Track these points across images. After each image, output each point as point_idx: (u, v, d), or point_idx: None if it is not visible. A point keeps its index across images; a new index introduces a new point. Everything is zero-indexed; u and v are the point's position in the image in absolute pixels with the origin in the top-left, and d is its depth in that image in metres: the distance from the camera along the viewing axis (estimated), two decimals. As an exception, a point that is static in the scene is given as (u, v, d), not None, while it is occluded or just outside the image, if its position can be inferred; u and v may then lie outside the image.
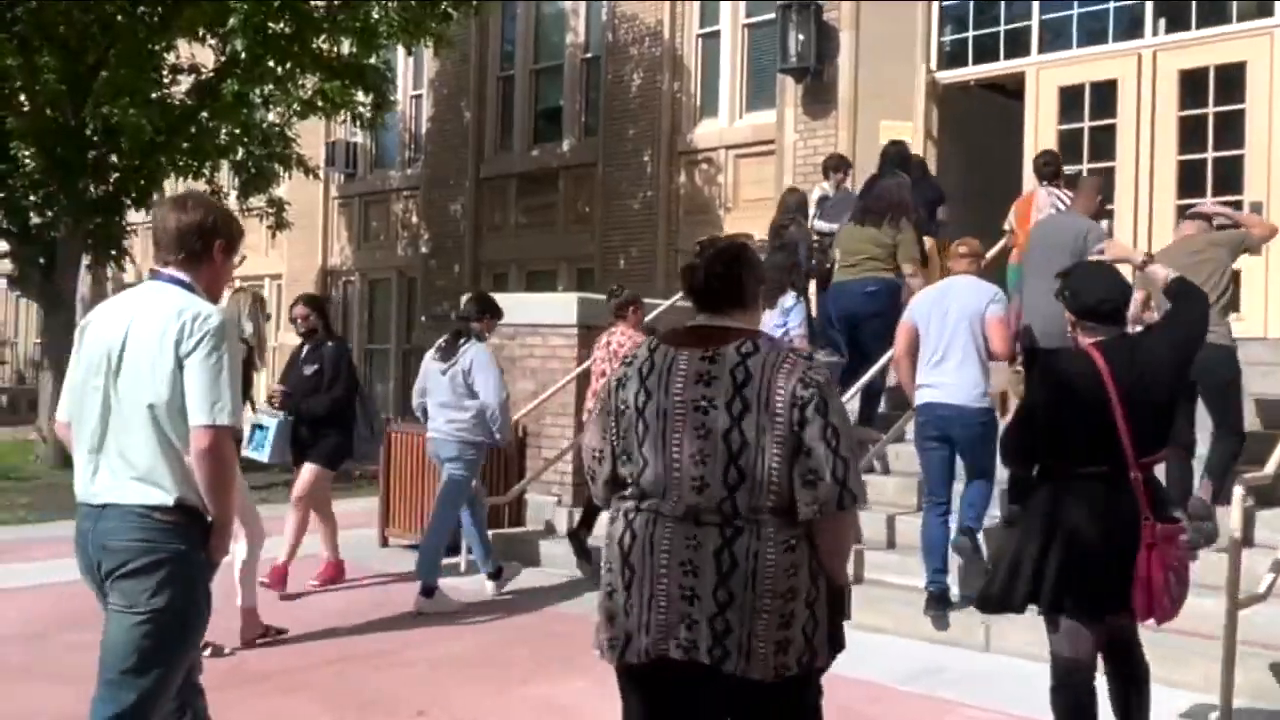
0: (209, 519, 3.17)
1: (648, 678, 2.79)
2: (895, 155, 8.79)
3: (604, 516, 3.04)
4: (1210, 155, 9.49)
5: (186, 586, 3.13)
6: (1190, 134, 9.63)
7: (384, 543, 8.90)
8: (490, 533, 7.63)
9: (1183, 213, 9.36)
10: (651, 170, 14.57)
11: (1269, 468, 5.35)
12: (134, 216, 16.28)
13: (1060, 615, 3.79)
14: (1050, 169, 8.36)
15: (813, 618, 2.72)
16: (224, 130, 14.58)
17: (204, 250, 3.30)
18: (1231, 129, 9.45)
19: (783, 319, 7.38)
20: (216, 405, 3.07)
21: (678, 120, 14.43)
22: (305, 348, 7.44)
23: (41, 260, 13.79)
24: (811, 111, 11.49)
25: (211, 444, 3.07)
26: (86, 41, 12.90)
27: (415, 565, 7.05)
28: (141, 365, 3.12)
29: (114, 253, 14.93)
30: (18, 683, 5.36)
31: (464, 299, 7.84)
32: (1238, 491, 4.96)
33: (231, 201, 16.21)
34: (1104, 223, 7.40)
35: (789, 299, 7.51)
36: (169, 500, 3.10)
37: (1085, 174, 9.24)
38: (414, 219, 18.25)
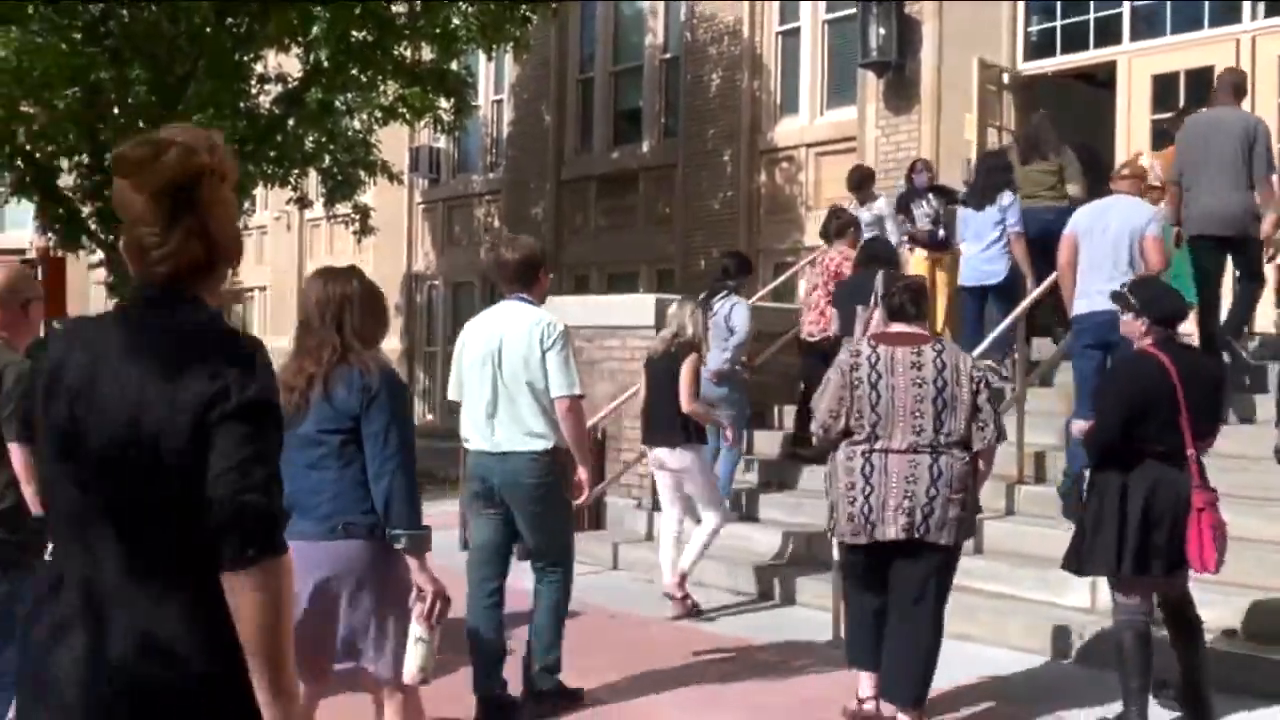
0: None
1: (873, 550, 4.63)
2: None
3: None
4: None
5: (560, 502, 4.87)
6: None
7: (464, 545, 8.89)
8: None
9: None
10: (732, 170, 14.43)
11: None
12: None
13: (1135, 575, 4.51)
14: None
15: (967, 509, 4.64)
16: (310, 138, 14.79)
17: (534, 276, 4.92)
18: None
19: (1000, 215, 8.10)
20: (570, 381, 4.71)
21: (757, 119, 14.28)
22: None
23: (135, 268, 14.11)
24: (894, 106, 11.27)
25: (570, 407, 4.72)
26: (175, 53, 13.18)
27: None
28: (518, 358, 4.72)
29: (205, 260, 15.23)
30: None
31: (723, 258, 8.70)
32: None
33: (318, 208, 16.49)
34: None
35: (1006, 197, 8.13)
36: (549, 446, 4.73)
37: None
38: (496, 223, 18.35)
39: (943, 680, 4.86)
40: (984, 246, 8.24)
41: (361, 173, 15.70)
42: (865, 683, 4.78)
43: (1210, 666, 4.77)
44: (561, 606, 4.96)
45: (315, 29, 12.69)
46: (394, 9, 13.52)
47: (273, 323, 23.38)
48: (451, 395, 5.01)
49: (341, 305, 3.43)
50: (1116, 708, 4.69)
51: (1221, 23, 9.82)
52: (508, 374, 4.72)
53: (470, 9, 13.68)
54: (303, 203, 16.25)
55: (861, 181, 9.47)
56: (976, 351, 6.69)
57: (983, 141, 10.20)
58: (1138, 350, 4.68)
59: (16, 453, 3.48)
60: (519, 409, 4.71)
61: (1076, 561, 4.72)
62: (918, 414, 4.52)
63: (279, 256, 23.16)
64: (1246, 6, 9.71)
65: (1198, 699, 4.70)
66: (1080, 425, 4.97)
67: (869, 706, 4.77)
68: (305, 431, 3.35)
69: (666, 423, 6.49)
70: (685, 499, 6.74)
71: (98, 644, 1.81)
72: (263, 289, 23.92)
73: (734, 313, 7.81)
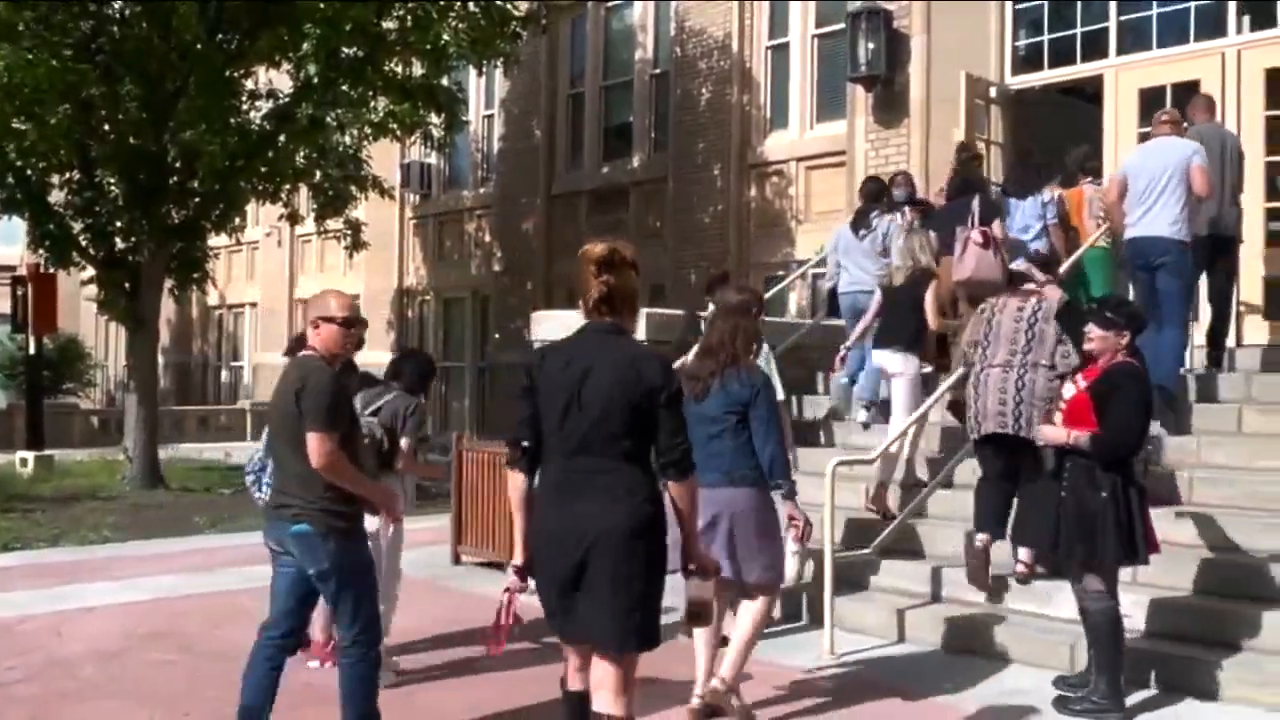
0: None
1: (987, 442, 6.18)
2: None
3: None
4: (1300, 156, 9.15)
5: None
6: (1278, 135, 9.28)
7: (456, 560, 8.90)
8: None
9: (1271, 215, 9.01)
10: (722, 184, 14.48)
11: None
12: (214, 240, 16.66)
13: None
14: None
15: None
16: (300, 154, 14.80)
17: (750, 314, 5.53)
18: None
19: (1039, 209, 8.44)
20: (774, 391, 5.38)
21: (747, 133, 14.34)
22: None
23: (126, 284, 14.10)
24: (883, 120, 11.33)
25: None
26: (166, 69, 13.20)
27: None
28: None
29: (195, 276, 15.23)
30: (91, 700, 5.43)
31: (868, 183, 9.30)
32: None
33: (309, 224, 16.49)
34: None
35: (1046, 194, 8.54)
36: None
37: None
38: (487, 237, 18.37)
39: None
40: (1031, 236, 8.40)
41: (352, 188, 15.72)
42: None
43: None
44: None
45: (305, 45, 12.73)
46: (384, 25, 13.55)
47: (263, 339, 23.39)
48: None
49: (735, 331, 5.06)
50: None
51: (1207, 36, 9.89)
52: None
53: (460, 25, 13.73)
54: (293, 218, 16.25)
55: (879, 193, 9.39)
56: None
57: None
58: (1128, 364, 5.10)
59: (327, 440, 4.20)
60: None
61: (1097, 555, 5.01)
62: (1013, 339, 6.11)
63: (269, 272, 23.16)
64: (1232, 20, 9.78)
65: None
66: (1055, 433, 5.15)
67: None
68: (708, 410, 4.89)
69: (902, 335, 7.47)
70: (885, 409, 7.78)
71: (606, 503, 3.51)
72: (253, 305, 23.91)
73: (883, 224, 8.59)
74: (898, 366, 7.49)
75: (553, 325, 9.60)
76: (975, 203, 7.91)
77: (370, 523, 4.87)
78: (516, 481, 3.70)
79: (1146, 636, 5.66)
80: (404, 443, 5.71)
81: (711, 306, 8.41)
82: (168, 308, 19.72)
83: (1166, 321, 7.17)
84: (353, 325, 4.50)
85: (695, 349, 5.21)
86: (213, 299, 23.82)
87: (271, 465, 5.01)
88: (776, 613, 5.66)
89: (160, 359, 19.24)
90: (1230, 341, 8.43)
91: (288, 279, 22.72)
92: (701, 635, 4.86)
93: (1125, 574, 5.94)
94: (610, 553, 3.44)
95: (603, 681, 3.55)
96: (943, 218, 8.40)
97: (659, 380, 3.53)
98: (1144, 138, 9.87)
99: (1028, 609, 6.18)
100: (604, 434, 3.51)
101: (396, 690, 5.48)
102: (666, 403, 3.52)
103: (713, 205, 14.60)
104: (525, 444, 3.66)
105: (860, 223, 8.63)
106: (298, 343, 5.05)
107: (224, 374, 25.22)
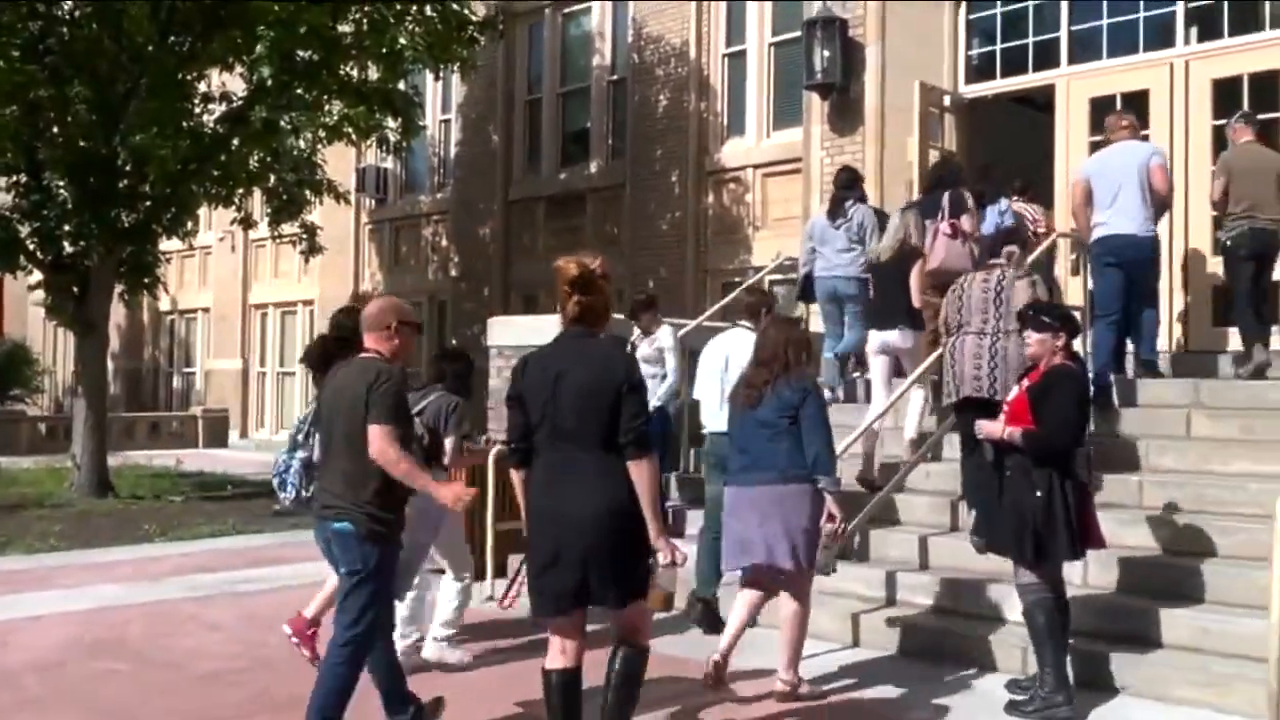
0: None
1: (965, 407, 6.33)
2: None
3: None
4: (1247, 165, 9.27)
5: None
6: (1225, 144, 9.41)
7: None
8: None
9: (1218, 224, 9.16)
10: (679, 191, 14.51)
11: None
12: (166, 245, 16.42)
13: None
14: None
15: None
16: (254, 157, 14.63)
17: (757, 313, 6.74)
18: (1268, 138, 9.24)
19: (999, 217, 8.77)
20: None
21: (705, 140, 14.38)
22: None
23: (75, 289, 13.87)
24: (838, 128, 11.39)
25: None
26: (117, 71, 13.02)
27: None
28: (740, 367, 6.05)
29: (146, 281, 15.00)
30: (32, 713, 5.31)
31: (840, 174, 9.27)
32: (1280, 506, 4.83)
33: (263, 228, 16.30)
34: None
35: (1004, 203, 8.97)
36: None
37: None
38: (444, 243, 18.29)
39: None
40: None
41: (307, 192, 15.54)
42: None
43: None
44: None
45: (259, 48, 12.58)
46: (340, 29, 13.44)
47: (215, 345, 23.12)
48: (695, 395, 7.05)
49: (786, 341, 5.51)
50: None
51: (1156, 47, 10.03)
52: (732, 378, 6.18)
53: (417, 29, 13.65)
54: (247, 223, 16.07)
55: (853, 182, 9.45)
56: None
57: (924, 163, 10.33)
58: (1066, 365, 5.28)
59: (389, 434, 4.35)
60: None
61: (1033, 550, 5.08)
62: (984, 309, 6.40)
63: (222, 277, 22.90)
64: (1180, 31, 9.93)
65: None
66: (992, 428, 5.34)
67: None
68: (763, 416, 5.37)
69: (898, 312, 7.69)
70: (891, 383, 7.92)
71: (587, 490, 3.97)
72: (206, 310, 23.63)
73: (857, 213, 8.80)
74: (908, 343, 7.79)
75: (509, 331, 9.58)
76: (945, 198, 8.21)
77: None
78: (517, 476, 4.27)
79: (1096, 638, 5.70)
80: (448, 441, 5.91)
81: (637, 331, 8.62)
82: (118, 313, 19.43)
83: (1144, 306, 7.80)
84: (421, 330, 4.95)
85: (749, 360, 5.75)
86: (164, 304, 23.51)
87: (297, 465, 5.51)
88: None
89: (110, 365, 18.99)
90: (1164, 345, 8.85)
91: (241, 284, 22.48)
92: (737, 617, 5.48)
93: (1076, 576, 6.02)
94: (592, 533, 3.94)
95: (623, 629, 4.20)
96: (916, 211, 8.56)
97: (621, 373, 4.02)
98: (1095, 146, 10.01)
99: (982, 612, 6.21)
100: (579, 426, 4.01)
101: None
102: (628, 391, 4.00)
103: (670, 212, 14.62)
104: (515, 446, 4.21)
105: (836, 211, 8.86)
106: (327, 344, 5.49)
107: (176, 380, 24.89)
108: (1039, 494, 5.02)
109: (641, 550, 4.03)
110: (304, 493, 5.90)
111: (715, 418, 6.67)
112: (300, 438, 5.87)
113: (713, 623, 6.46)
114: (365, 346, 4.58)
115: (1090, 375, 7.00)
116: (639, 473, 3.94)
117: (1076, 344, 5.53)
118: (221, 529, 10.88)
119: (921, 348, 7.84)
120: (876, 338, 7.95)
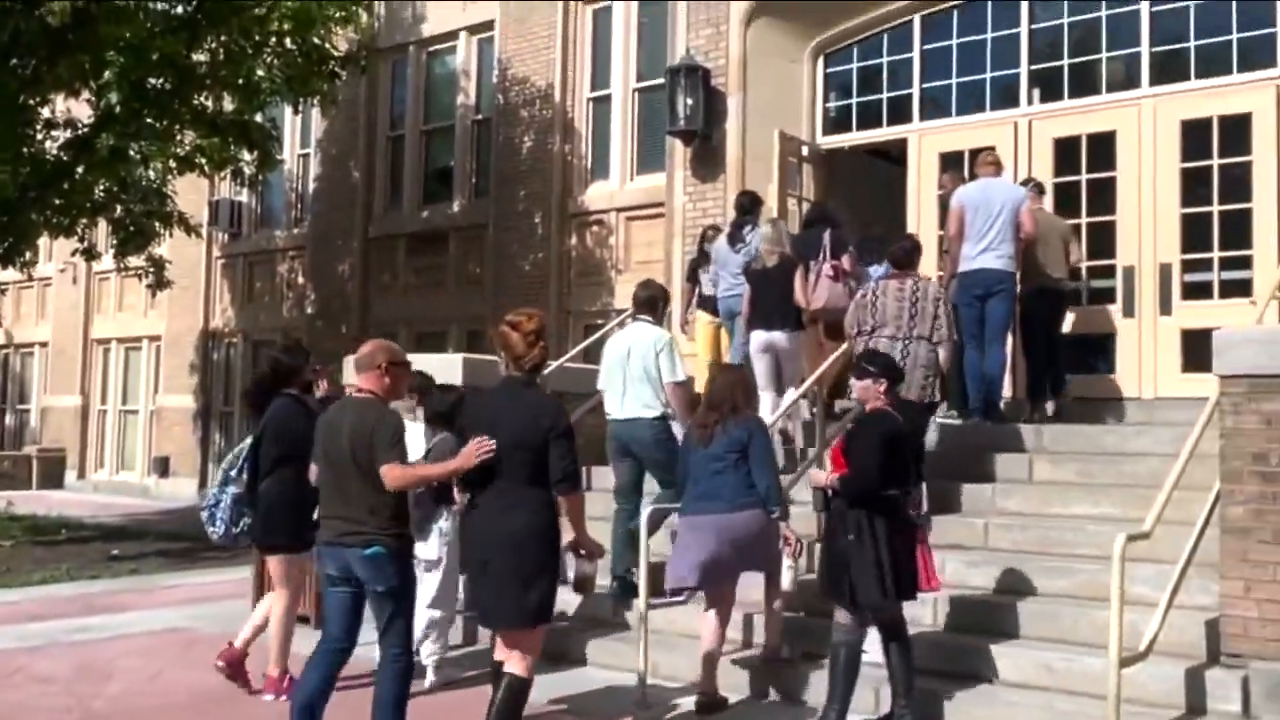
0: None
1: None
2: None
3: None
4: (1084, 220, 9.75)
5: (669, 447, 6.95)
6: (1067, 198, 9.89)
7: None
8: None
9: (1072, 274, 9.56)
10: (543, 232, 14.50)
11: (1147, 523, 5.41)
12: (2, 275, 15.64)
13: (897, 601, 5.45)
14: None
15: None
16: (100, 186, 14.07)
17: (656, 307, 7.34)
18: (1104, 195, 9.75)
19: (881, 270, 8.80)
20: (676, 372, 7.03)
21: (569, 182, 14.42)
22: None
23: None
24: (700, 174, 11.55)
25: (676, 388, 7.02)
26: (-48, 94, 12.38)
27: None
28: (638, 357, 7.04)
29: (-19, 310, 14.24)
30: None
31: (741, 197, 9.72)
32: (1117, 546, 5.00)
33: (107, 260, 15.66)
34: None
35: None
36: (659, 414, 7.05)
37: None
38: (300, 279, 17.86)
39: None
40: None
41: (156, 224, 15.01)
42: None
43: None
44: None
45: (108, 74, 12.13)
46: (195, 58, 13.07)
47: (53, 381, 22.07)
48: (599, 385, 7.37)
49: (734, 385, 6.13)
50: None
51: (1001, 106, 10.49)
52: (632, 368, 7.02)
53: (276, 62, 13.37)
54: (90, 254, 15.42)
55: (750, 207, 9.55)
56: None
57: (783, 210, 10.56)
58: (878, 409, 5.58)
59: (398, 467, 4.84)
60: (641, 390, 7.02)
61: (845, 591, 5.32)
62: (899, 315, 7.00)
63: (62, 310, 21.91)
64: (1024, 92, 10.41)
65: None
66: (819, 476, 5.69)
67: None
68: (714, 452, 5.90)
69: (781, 314, 8.23)
70: (777, 382, 8.33)
71: (509, 515, 4.62)
72: (44, 344, 22.55)
73: (755, 237, 9.01)
74: (794, 344, 8.30)
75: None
76: (826, 236, 8.64)
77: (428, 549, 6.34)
78: (461, 498, 4.96)
79: (944, 677, 5.83)
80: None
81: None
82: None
83: (993, 342, 8.04)
84: (410, 369, 5.43)
85: (701, 402, 6.27)
86: (-1, 337, 22.37)
87: (227, 500, 6.13)
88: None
89: (-64, 401, 17.90)
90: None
91: (82, 318, 21.54)
92: (707, 639, 5.94)
93: (926, 617, 6.16)
94: (509, 551, 4.57)
95: (509, 651, 4.71)
96: (796, 244, 8.96)
97: (550, 421, 4.70)
98: (944, 199, 10.42)
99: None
100: (511, 463, 4.64)
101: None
102: (556, 437, 4.67)
103: (533, 253, 14.58)
104: (462, 482, 4.83)
105: (735, 236, 9.21)
106: (266, 382, 6.28)
107: (9, 418, 23.62)
108: (850, 536, 5.25)
109: (548, 577, 4.68)
110: (233, 528, 6.08)
111: (618, 406, 7.14)
112: (234, 473, 6.11)
113: (627, 590, 7.01)
114: (359, 387, 5.03)
115: (975, 398, 8.05)
116: (570, 504, 4.76)
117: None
118: (54, 574, 10.34)
119: (801, 349, 8.34)
120: (760, 337, 8.32)
